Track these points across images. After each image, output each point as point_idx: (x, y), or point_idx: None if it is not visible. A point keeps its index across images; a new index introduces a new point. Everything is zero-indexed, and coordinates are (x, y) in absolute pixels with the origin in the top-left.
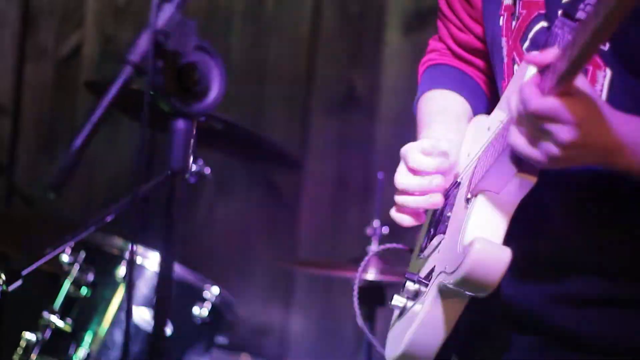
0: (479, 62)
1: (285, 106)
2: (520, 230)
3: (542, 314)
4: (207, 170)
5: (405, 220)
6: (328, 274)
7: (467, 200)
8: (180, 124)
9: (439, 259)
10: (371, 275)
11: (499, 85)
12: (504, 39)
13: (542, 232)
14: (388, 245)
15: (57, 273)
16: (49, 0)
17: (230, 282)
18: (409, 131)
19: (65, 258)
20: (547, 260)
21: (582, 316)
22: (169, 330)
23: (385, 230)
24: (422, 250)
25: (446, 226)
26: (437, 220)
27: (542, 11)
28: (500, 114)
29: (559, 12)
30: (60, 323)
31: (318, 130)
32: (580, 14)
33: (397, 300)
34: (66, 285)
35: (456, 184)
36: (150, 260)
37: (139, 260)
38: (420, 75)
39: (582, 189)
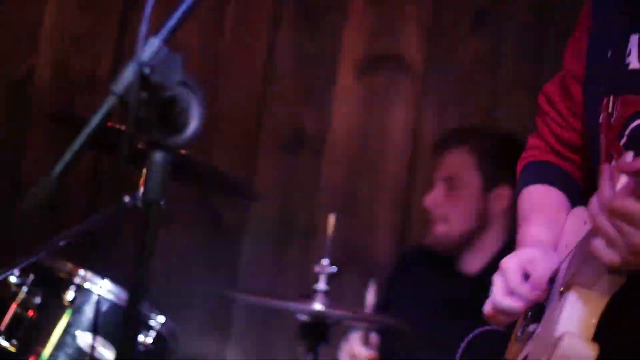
0: (578, 159)
1: (235, 143)
2: (618, 321)
3: None
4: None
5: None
6: (268, 305)
7: (561, 293)
8: (158, 155)
9: (534, 348)
10: (316, 310)
11: (596, 180)
12: (602, 135)
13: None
14: (484, 328)
15: (4, 294)
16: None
17: (170, 312)
18: (355, 172)
19: (13, 279)
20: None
21: None
22: (111, 356)
23: (333, 269)
24: (520, 334)
25: (541, 315)
26: (534, 307)
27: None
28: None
29: None
30: (5, 343)
31: (266, 168)
32: None
33: None
34: (13, 307)
35: (554, 274)
36: (97, 286)
37: (87, 285)
38: (520, 170)
39: None
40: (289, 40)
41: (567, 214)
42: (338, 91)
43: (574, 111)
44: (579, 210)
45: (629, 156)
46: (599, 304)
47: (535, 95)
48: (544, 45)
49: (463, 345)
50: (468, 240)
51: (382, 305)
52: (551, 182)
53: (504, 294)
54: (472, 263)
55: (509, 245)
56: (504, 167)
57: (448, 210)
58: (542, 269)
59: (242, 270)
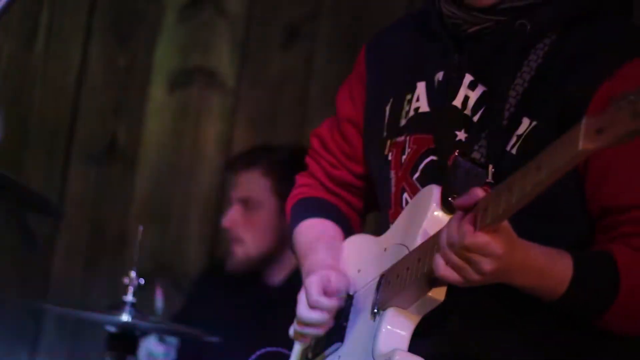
0: (348, 197)
1: (46, 154)
2: (423, 332)
3: None
4: None
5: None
6: (75, 316)
7: (375, 314)
8: None
9: None
10: (123, 322)
11: (385, 213)
12: (392, 172)
13: (442, 334)
14: (266, 350)
15: None
16: None
17: None
18: (166, 185)
19: None
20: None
21: None
22: None
23: (141, 281)
24: (314, 355)
25: (343, 335)
26: (329, 330)
27: (432, 146)
28: (395, 238)
29: (456, 152)
30: None
31: (78, 180)
32: (476, 155)
33: None
34: None
35: (347, 297)
36: None
37: None
38: (290, 207)
39: (479, 292)
40: (101, 53)
41: (342, 242)
42: (151, 104)
43: (348, 153)
44: (363, 238)
45: (478, 192)
46: (415, 320)
47: None
48: (354, 62)
49: None
50: (268, 258)
51: (185, 316)
52: (325, 216)
53: (307, 308)
54: (275, 276)
55: None
56: None
57: (245, 232)
58: (336, 281)
59: (54, 282)
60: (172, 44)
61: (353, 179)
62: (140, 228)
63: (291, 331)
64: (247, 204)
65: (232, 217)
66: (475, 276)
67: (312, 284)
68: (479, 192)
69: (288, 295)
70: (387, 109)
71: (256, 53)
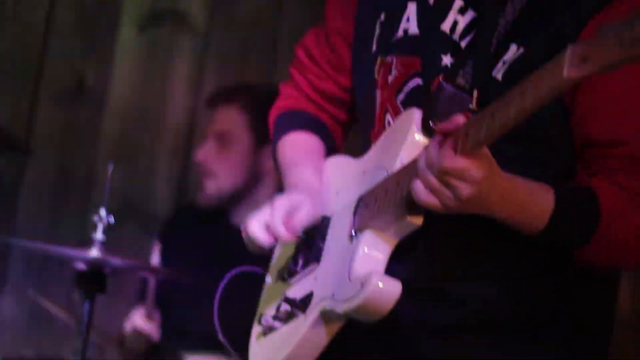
0: (333, 110)
1: (13, 94)
2: (400, 256)
3: (410, 341)
4: None
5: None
6: (46, 252)
7: (352, 236)
8: None
9: (319, 286)
10: (93, 258)
11: (367, 132)
12: (377, 91)
13: (408, 260)
14: (242, 268)
15: None
16: None
17: None
18: (134, 124)
19: None
20: (410, 287)
21: (442, 344)
22: None
23: (111, 219)
24: (290, 275)
25: (319, 256)
26: (305, 249)
27: (419, 70)
28: (375, 161)
29: (440, 76)
30: None
31: (45, 119)
32: (460, 80)
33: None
34: None
35: (325, 218)
36: None
37: None
38: (274, 118)
39: (447, 220)
40: None
41: (322, 156)
42: (120, 44)
43: (336, 64)
44: (344, 160)
45: (459, 118)
46: (393, 242)
47: None
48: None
49: (221, 285)
50: (239, 195)
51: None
52: (309, 129)
53: (261, 226)
54: (244, 215)
55: None
56: None
57: (218, 166)
58: (303, 215)
59: (20, 222)
60: None
61: (339, 91)
62: (110, 166)
63: (245, 226)
64: (222, 138)
65: (206, 150)
66: (453, 202)
67: (279, 205)
68: (460, 118)
69: None
70: (378, 24)
71: None
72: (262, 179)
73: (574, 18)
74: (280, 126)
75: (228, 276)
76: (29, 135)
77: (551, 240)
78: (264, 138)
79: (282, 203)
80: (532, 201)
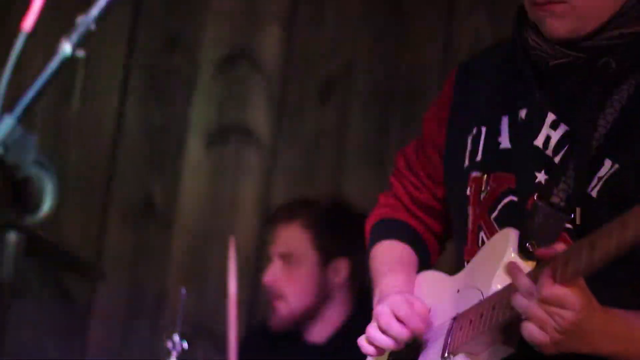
0: (429, 221)
1: (83, 213)
2: None
3: None
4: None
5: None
6: None
7: (445, 358)
8: (12, 236)
9: None
10: None
11: (460, 249)
12: (470, 208)
13: None
14: None
15: None
16: None
17: None
18: (204, 243)
19: None
20: None
21: None
22: None
23: (185, 345)
24: None
25: None
26: None
27: (512, 186)
28: (469, 280)
29: (535, 194)
30: None
31: (115, 239)
32: (555, 199)
33: None
34: None
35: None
36: None
37: None
38: (371, 226)
39: None
40: (137, 109)
41: (415, 267)
42: (187, 161)
43: (432, 176)
44: (434, 274)
45: (560, 246)
46: None
47: (381, 168)
48: (389, 117)
49: None
50: (310, 314)
51: None
52: (404, 239)
53: (377, 330)
54: (318, 333)
55: (355, 315)
56: (339, 239)
57: (286, 287)
58: (420, 304)
59: (92, 345)
60: (208, 100)
61: (435, 202)
62: (183, 291)
63: (361, 342)
64: (287, 259)
65: (273, 272)
66: (556, 332)
67: (382, 313)
68: (560, 246)
69: (332, 354)
70: (469, 138)
71: (292, 108)
72: (332, 295)
73: None
74: (376, 234)
75: None
76: (99, 258)
77: None
78: (329, 254)
79: (382, 310)
80: (634, 330)
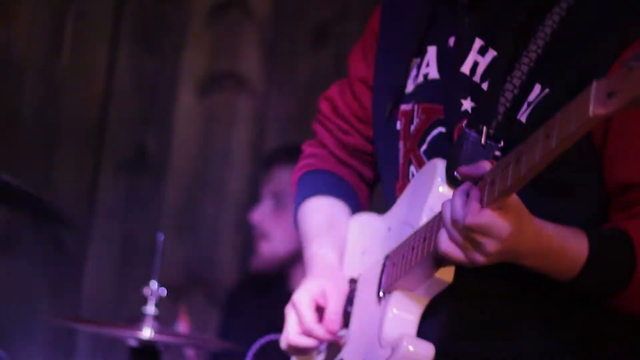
0: (359, 166)
1: (76, 163)
2: (431, 315)
3: None
4: None
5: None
6: (109, 333)
7: (380, 298)
8: None
9: (349, 352)
10: (146, 335)
11: (391, 185)
12: (401, 142)
13: (441, 319)
14: (270, 337)
15: None
16: None
17: (11, 340)
18: (196, 193)
19: None
20: (444, 348)
21: None
22: None
23: (163, 291)
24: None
25: (348, 320)
26: None
27: (441, 117)
28: (399, 216)
29: (463, 122)
30: None
31: (107, 188)
32: (482, 126)
33: None
34: None
35: (352, 281)
36: None
37: None
38: (297, 180)
39: (478, 276)
40: (128, 60)
41: (347, 222)
42: (179, 110)
43: (361, 116)
44: (368, 217)
45: (484, 165)
46: (423, 303)
47: None
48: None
49: (250, 353)
50: (294, 258)
51: (222, 331)
52: (332, 193)
53: (299, 333)
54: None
55: None
56: None
57: (272, 228)
58: (334, 303)
59: (86, 293)
60: (199, 49)
61: (365, 143)
62: (161, 236)
63: (282, 344)
64: (278, 198)
65: (262, 211)
66: (479, 257)
67: (302, 303)
68: (485, 165)
69: None
70: (398, 71)
71: (285, 55)
72: None
73: (602, 53)
74: (302, 190)
75: (257, 344)
76: (91, 208)
77: (583, 289)
78: None
79: (303, 300)
80: (565, 249)
